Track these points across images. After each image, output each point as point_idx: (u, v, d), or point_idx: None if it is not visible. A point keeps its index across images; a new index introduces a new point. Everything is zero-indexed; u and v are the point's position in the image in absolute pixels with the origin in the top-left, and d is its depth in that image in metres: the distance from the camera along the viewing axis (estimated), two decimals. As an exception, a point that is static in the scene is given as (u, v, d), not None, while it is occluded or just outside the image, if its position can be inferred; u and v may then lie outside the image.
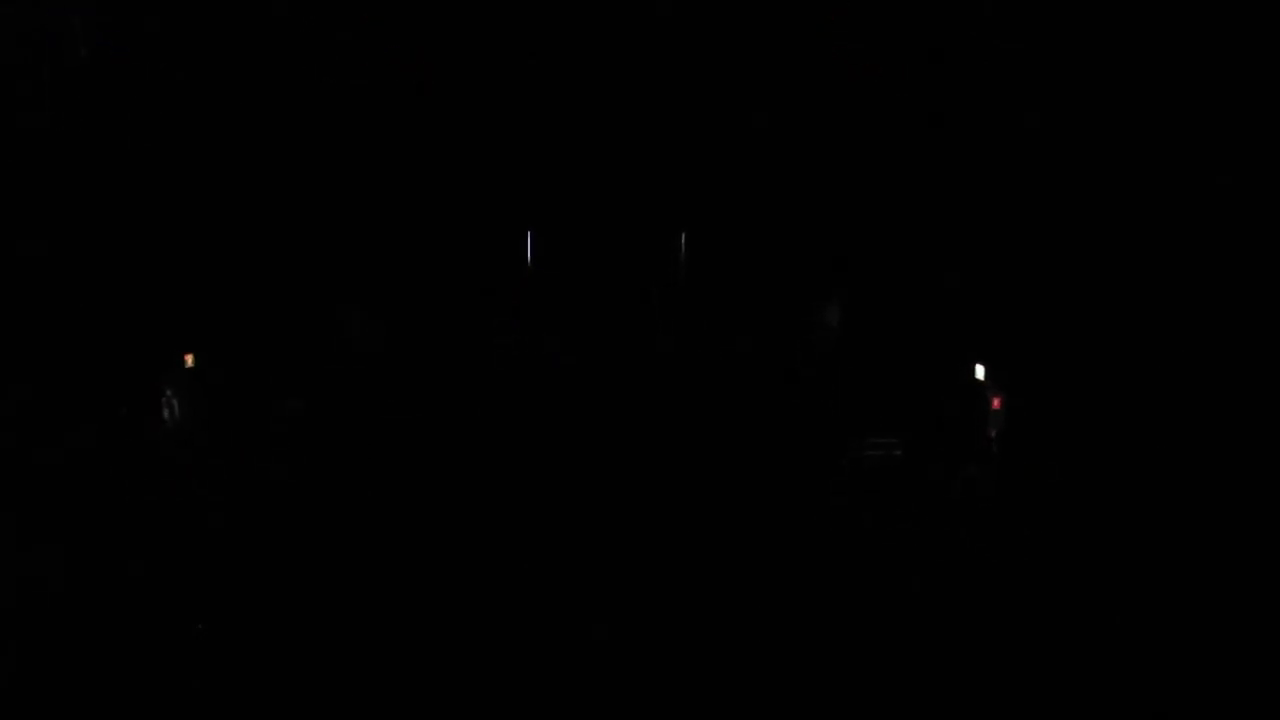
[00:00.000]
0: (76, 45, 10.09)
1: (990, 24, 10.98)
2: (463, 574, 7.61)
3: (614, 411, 13.16)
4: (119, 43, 10.22)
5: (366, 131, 14.08)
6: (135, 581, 7.31)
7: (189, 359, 12.00)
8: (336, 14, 12.16)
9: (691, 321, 16.09)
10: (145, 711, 5.72)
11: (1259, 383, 8.96)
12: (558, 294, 16.50)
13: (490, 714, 5.76)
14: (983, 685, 6.02)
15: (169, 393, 11.66)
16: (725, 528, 8.79)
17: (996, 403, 11.70)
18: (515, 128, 14.09)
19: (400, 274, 15.49)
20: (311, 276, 14.18)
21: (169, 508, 9.03)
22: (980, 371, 12.05)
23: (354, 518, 8.86)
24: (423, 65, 12.95)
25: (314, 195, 13.86)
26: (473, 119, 13.92)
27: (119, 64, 10.31)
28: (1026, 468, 10.34)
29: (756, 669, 6.16)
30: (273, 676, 6.06)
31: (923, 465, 10.67)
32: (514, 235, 16.19)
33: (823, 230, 15.59)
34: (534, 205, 16.23)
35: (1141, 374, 9.88)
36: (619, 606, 7.03)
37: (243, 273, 12.74)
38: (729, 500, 9.52)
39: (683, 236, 16.28)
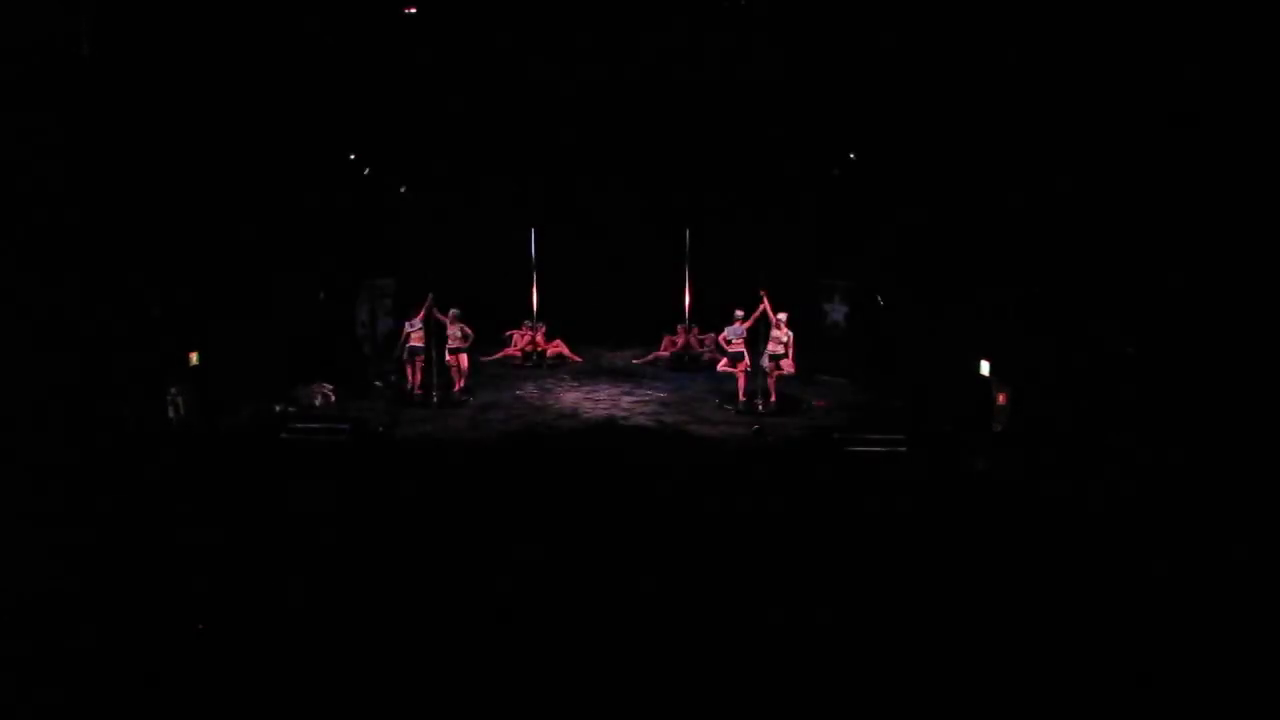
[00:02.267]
0: (80, 43, 10.10)
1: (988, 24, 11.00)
2: (473, 575, 7.60)
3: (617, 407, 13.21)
4: (123, 42, 10.22)
5: (375, 129, 14.13)
6: (139, 579, 7.33)
7: (193, 357, 12.03)
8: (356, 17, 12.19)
9: (697, 315, 16.18)
10: (147, 710, 5.73)
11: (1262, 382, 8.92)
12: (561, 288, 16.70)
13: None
14: (991, 678, 6.01)
15: (174, 390, 11.69)
16: (734, 521, 8.77)
17: (1002, 398, 11.68)
18: (523, 130, 14.15)
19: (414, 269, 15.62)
20: (325, 272, 14.26)
21: (171, 506, 9.04)
22: (985, 367, 12.04)
23: (359, 522, 8.86)
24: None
25: (323, 191, 13.91)
26: (485, 119, 13.98)
27: (122, 65, 10.31)
28: (1031, 462, 10.33)
29: (763, 663, 6.16)
30: (273, 677, 6.07)
31: (929, 460, 10.65)
32: (522, 232, 16.32)
33: (830, 228, 15.66)
34: (541, 202, 16.37)
35: (1145, 369, 9.85)
36: (625, 597, 7.04)
37: (250, 269, 12.75)
38: (736, 493, 9.52)
39: (687, 233, 16.36)
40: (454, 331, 13.65)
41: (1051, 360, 10.81)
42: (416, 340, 13.61)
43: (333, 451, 11.18)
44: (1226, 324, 8.85)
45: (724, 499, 9.39)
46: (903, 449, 10.90)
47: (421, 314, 13.63)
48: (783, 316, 12.84)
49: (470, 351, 13.97)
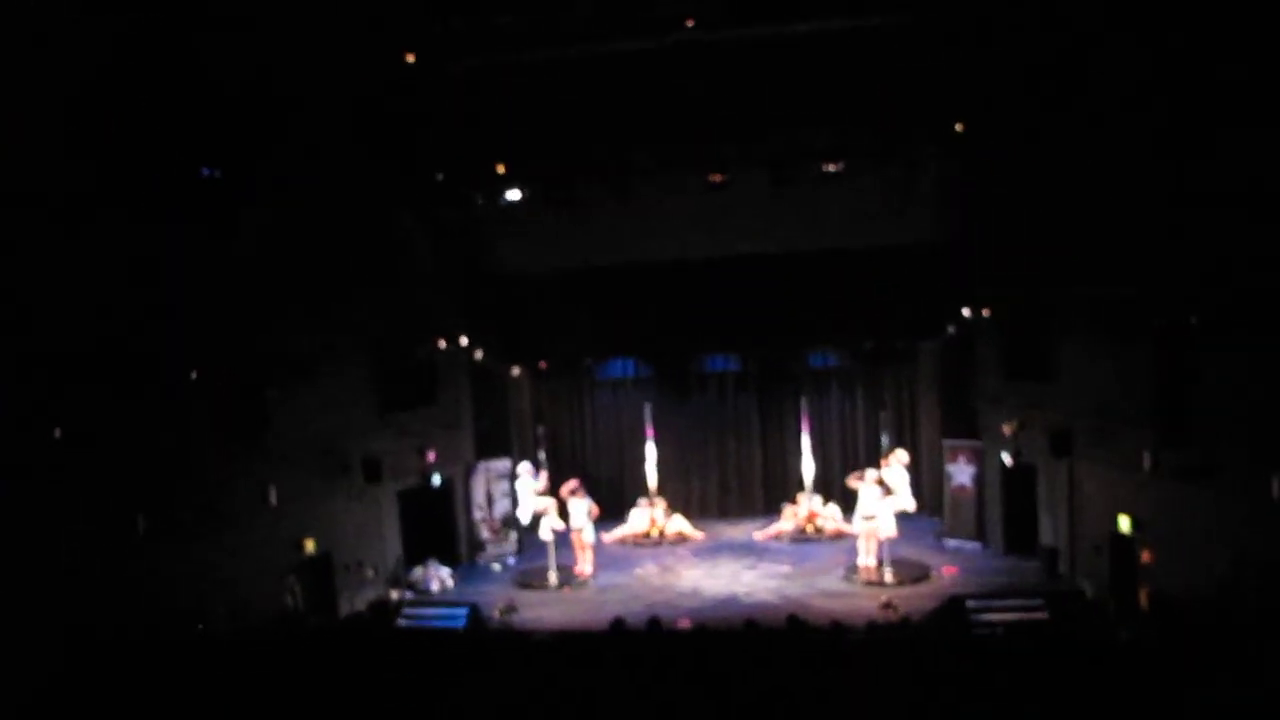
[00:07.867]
0: None
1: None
2: None
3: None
4: None
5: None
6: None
7: (309, 544, 12.09)
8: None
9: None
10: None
11: None
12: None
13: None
14: None
15: (291, 578, 11.77)
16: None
17: (1146, 556, 10.68)
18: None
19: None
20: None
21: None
22: (1125, 523, 11.06)
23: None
24: None
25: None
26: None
27: None
28: (1185, 630, 9.32)
29: None
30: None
31: (1069, 629, 9.80)
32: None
33: (950, 389, 15.19)
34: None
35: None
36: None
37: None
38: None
39: (803, 400, 15.96)
40: (577, 507, 13.66)
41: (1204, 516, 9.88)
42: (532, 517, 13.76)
43: (448, 639, 10.94)
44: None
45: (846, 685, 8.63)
46: (1040, 614, 10.13)
47: (545, 490, 13.94)
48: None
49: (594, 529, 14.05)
